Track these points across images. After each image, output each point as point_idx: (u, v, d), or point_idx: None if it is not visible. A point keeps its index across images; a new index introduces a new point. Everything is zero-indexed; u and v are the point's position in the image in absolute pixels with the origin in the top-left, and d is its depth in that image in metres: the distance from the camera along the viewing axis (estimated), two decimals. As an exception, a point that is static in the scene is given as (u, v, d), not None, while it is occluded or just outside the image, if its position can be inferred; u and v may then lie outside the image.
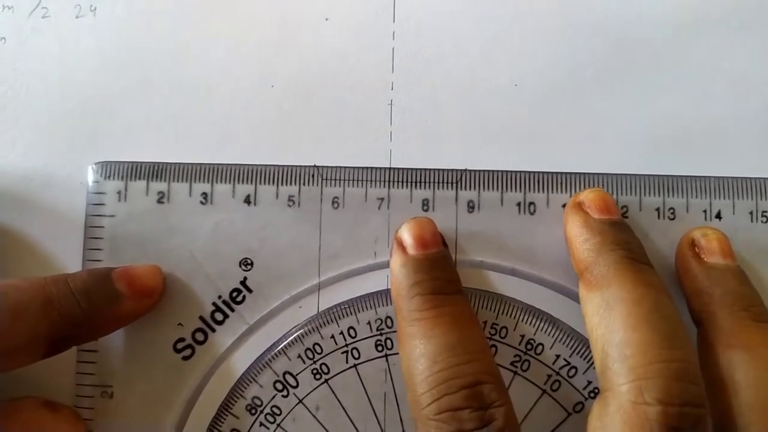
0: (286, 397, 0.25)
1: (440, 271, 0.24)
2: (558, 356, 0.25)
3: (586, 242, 0.23)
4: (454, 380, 0.21)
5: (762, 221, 0.25)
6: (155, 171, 0.26)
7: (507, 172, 0.25)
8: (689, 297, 0.24)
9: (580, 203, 0.24)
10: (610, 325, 0.21)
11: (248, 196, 0.25)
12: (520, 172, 0.25)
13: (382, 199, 0.25)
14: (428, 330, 0.22)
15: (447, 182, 0.25)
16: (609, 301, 0.22)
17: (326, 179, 0.26)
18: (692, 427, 0.19)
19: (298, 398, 0.25)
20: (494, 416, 0.20)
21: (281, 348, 0.25)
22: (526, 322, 0.25)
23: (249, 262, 0.25)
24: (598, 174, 0.25)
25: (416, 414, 0.21)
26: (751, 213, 0.25)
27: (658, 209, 0.25)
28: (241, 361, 0.25)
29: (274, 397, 0.25)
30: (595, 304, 0.22)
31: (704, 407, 0.20)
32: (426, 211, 0.25)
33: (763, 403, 0.21)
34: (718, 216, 0.25)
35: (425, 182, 0.25)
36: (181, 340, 0.25)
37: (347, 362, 0.25)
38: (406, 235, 0.24)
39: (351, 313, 0.25)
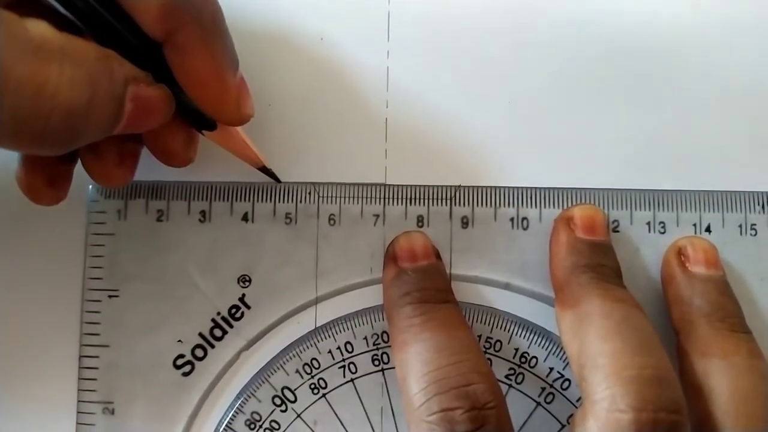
0: (284, 411, 0.25)
1: (430, 281, 0.24)
2: (552, 369, 0.25)
3: (563, 261, 0.24)
4: (445, 380, 0.21)
5: (751, 234, 0.25)
6: (154, 189, 0.26)
7: (500, 188, 0.26)
8: (671, 305, 0.24)
9: (569, 218, 0.24)
10: (583, 339, 0.22)
11: (246, 214, 0.26)
12: (513, 187, 0.26)
13: (378, 215, 0.26)
14: (417, 335, 0.22)
15: (441, 198, 0.26)
16: (580, 317, 0.22)
17: (322, 196, 0.26)
18: None
19: (297, 413, 0.25)
20: (487, 418, 0.21)
21: (279, 363, 0.25)
22: (520, 336, 0.25)
23: (247, 279, 0.26)
24: (589, 189, 0.26)
25: (410, 416, 0.21)
26: (740, 226, 0.25)
27: (648, 223, 0.26)
28: (240, 376, 0.25)
29: (272, 411, 0.25)
30: (568, 322, 0.23)
31: (680, 413, 0.20)
32: (421, 227, 0.26)
33: (737, 409, 0.21)
34: (708, 229, 0.25)
35: (420, 198, 0.26)
36: (181, 356, 0.25)
37: (344, 377, 0.25)
38: (397, 249, 0.25)
39: (348, 329, 0.25)
